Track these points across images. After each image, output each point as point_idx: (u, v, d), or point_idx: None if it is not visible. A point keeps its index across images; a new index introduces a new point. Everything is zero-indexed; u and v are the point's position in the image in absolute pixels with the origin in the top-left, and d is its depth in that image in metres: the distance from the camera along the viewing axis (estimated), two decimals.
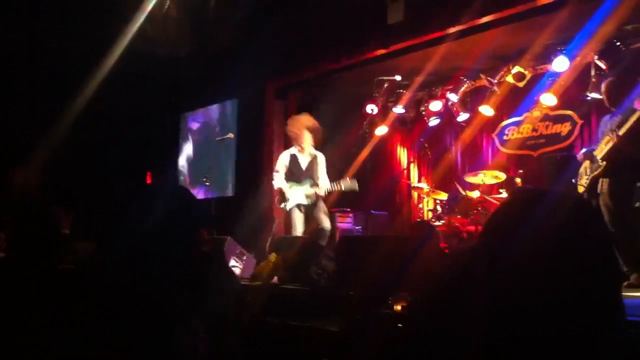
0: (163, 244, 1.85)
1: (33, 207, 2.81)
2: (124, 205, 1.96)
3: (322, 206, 7.36)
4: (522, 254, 1.14)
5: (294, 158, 7.44)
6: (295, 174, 7.39)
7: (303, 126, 7.38)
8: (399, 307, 4.24)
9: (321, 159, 7.43)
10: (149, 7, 7.61)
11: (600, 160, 5.51)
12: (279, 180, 7.44)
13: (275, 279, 6.11)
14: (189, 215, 2.03)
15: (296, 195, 7.29)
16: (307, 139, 7.37)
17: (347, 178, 7.31)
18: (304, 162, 7.41)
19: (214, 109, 10.28)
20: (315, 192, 7.22)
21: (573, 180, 5.95)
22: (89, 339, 1.60)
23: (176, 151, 10.83)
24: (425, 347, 1.33)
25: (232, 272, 5.82)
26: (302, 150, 7.39)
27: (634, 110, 5.41)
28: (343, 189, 7.26)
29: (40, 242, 2.56)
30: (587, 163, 5.72)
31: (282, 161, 7.50)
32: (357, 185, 7.23)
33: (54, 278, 2.16)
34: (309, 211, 7.33)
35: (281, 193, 7.40)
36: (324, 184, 7.25)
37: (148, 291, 1.73)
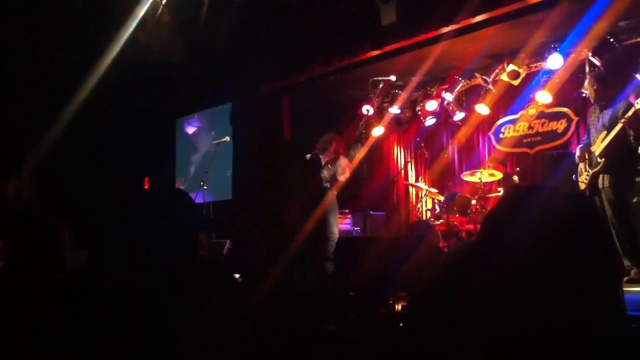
0: (162, 250, 1.85)
1: (29, 216, 2.80)
2: (123, 212, 1.97)
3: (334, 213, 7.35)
4: (518, 250, 1.14)
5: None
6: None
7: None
8: (399, 307, 4.25)
9: (342, 159, 7.42)
10: (142, 13, 7.60)
11: (598, 157, 5.53)
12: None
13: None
14: (188, 219, 2.03)
15: None
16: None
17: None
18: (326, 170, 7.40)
19: (209, 113, 10.28)
20: (334, 174, 7.20)
21: (573, 177, 5.98)
22: (87, 345, 1.60)
23: (173, 156, 10.82)
24: (425, 346, 1.34)
25: (231, 276, 5.83)
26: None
27: (629, 104, 5.43)
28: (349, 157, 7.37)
29: (38, 251, 2.55)
30: (585, 161, 5.75)
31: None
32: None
33: (52, 286, 2.16)
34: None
35: None
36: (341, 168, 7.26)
37: (147, 297, 1.73)
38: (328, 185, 7.27)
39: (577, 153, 5.86)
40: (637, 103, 5.30)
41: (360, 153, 8.88)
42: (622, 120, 5.28)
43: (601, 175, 5.52)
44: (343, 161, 7.40)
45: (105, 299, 1.70)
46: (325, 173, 7.30)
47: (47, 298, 1.88)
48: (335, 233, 7.16)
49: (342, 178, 7.24)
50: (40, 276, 2.40)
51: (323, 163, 7.42)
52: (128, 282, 1.74)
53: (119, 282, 1.74)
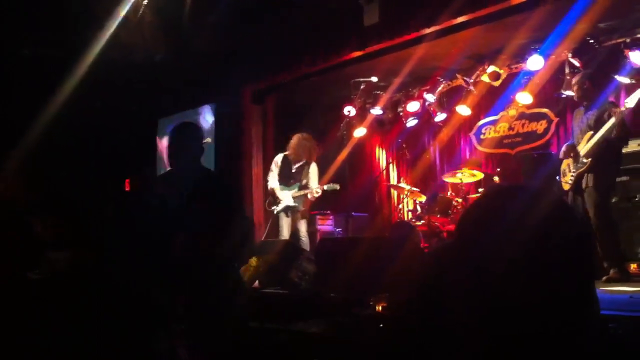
0: (141, 250, 1.84)
1: (6, 216, 2.76)
2: (107, 212, 1.95)
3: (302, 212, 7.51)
4: (495, 250, 1.14)
5: (285, 160, 7.55)
6: (285, 176, 7.53)
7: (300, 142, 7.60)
8: (380, 308, 4.24)
9: (313, 166, 7.52)
10: (124, 12, 7.53)
11: (583, 157, 5.57)
12: (272, 180, 7.65)
13: (257, 283, 6.09)
14: (167, 220, 2.02)
15: (285, 198, 7.38)
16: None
17: (331, 183, 7.61)
18: (295, 166, 7.50)
19: (192, 114, 10.20)
20: (304, 194, 7.34)
21: (557, 178, 6.02)
22: (62, 344, 1.58)
23: (154, 157, 10.73)
24: (406, 347, 1.33)
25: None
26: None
27: (611, 104, 5.49)
28: (326, 189, 7.49)
29: (12, 251, 2.52)
30: (569, 160, 5.79)
31: (275, 161, 7.71)
32: (337, 186, 7.55)
33: (26, 286, 2.14)
34: (294, 215, 7.46)
35: (272, 195, 7.52)
36: (315, 186, 7.39)
37: (125, 297, 1.71)
38: (297, 204, 7.41)
39: (563, 149, 5.91)
40: (626, 103, 5.35)
41: (343, 154, 8.92)
42: (614, 115, 5.30)
43: (585, 175, 5.56)
44: (314, 172, 7.50)
45: (86, 299, 1.68)
46: (293, 189, 7.40)
47: (19, 297, 1.86)
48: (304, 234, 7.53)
49: (312, 197, 7.39)
50: (15, 277, 2.37)
51: (293, 164, 7.52)
52: (105, 282, 1.72)
53: (96, 283, 1.72)
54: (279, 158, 7.69)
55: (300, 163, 7.55)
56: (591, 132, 5.57)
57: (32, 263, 2.52)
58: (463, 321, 1.16)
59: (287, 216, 7.50)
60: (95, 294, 1.71)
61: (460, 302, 1.18)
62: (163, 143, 10.58)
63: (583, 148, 5.61)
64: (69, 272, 1.93)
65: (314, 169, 7.57)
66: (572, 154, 5.76)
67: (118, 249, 1.86)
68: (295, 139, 7.57)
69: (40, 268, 2.59)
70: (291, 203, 7.44)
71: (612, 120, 5.35)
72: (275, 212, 7.54)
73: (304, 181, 7.48)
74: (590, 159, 5.52)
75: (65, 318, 1.67)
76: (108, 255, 1.85)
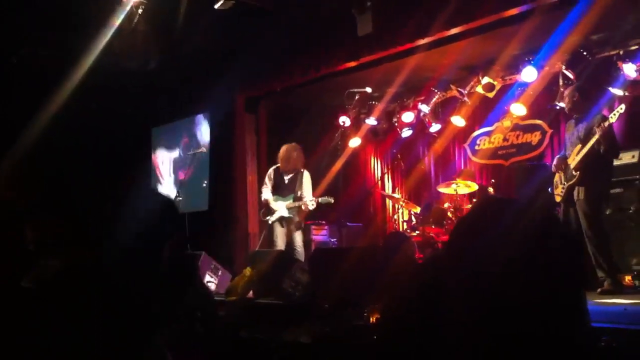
0: (134, 252, 1.84)
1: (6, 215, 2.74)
2: (98, 215, 1.95)
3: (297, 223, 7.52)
4: (485, 261, 1.14)
5: (277, 172, 7.60)
6: (278, 187, 7.57)
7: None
8: (373, 319, 4.23)
9: (306, 175, 7.52)
10: (118, 20, 7.54)
11: (573, 170, 5.59)
12: (266, 192, 7.66)
13: (251, 293, 6.07)
14: (162, 224, 2.02)
15: (279, 208, 7.38)
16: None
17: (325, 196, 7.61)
18: (287, 176, 7.51)
19: (186, 123, 10.21)
20: (298, 206, 7.34)
21: (549, 190, 6.03)
22: (63, 346, 1.58)
23: (148, 165, 10.72)
24: (403, 349, 1.33)
25: (206, 289, 5.77)
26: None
27: (603, 118, 5.50)
28: (320, 202, 7.48)
29: (2, 258, 2.50)
30: (561, 172, 5.81)
31: (269, 175, 7.74)
32: (332, 199, 7.54)
33: (17, 294, 2.12)
34: (289, 226, 7.47)
35: (267, 205, 7.53)
36: (309, 199, 7.35)
37: (124, 300, 1.71)
38: (292, 215, 7.41)
39: (555, 162, 5.93)
40: (612, 116, 5.38)
41: (337, 164, 8.92)
42: (598, 129, 5.34)
43: (576, 188, 5.59)
44: (307, 181, 7.51)
45: (71, 309, 1.67)
46: (288, 201, 7.41)
47: (9, 305, 1.85)
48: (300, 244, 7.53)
49: (306, 208, 7.38)
50: (2, 283, 2.35)
51: (285, 175, 7.53)
52: (97, 291, 1.72)
53: (86, 293, 1.71)
54: (271, 171, 7.73)
55: (292, 174, 7.56)
56: (580, 145, 5.60)
57: (23, 271, 2.49)
58: (452, 330, 1.16)
59: (282, 226, 7.50)
60: (92, 296, 1.70)
61: (448, 311, 1.18)
62: (157, 155, 10.58)
63: (573, 161, 5.63)
64: (62, 276, 1.91)
65: (307, 178, 7.57)
66: (563, 166, 5.78)
67: (117, 248, 1.85)
68: (282, 150, 7.59)
69: (31, 276, 2.57)
70: (285, 214, 7.45)
71: (597, 134, 5.38)
72: (269, 222, 7.53)
73: (299, 192, 7.48)
74: (579, 172, 5.54)
75: (59, 322, 1.66)
76: (107, 256, 1.84)
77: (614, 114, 5.37)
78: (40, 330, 1.65)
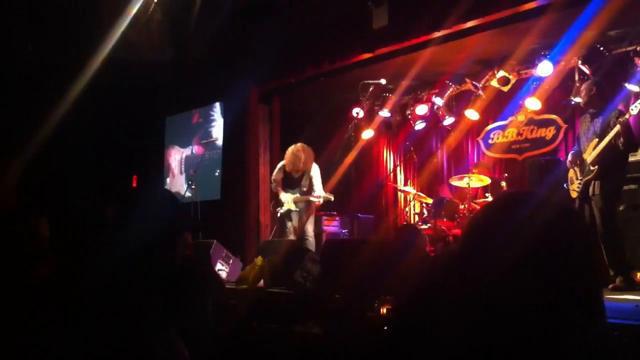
0: (143, 249, 1.84)
1: (11, 215, 2.76)
2: (105, 213, 1.95)
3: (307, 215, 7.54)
4: (500, 257, 1.14)
5: (284, 169, 7.68)
6: (288, 182, 7.65)
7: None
8: (384, 311, 4.24)
9: (315, 169, 7.52)
10: (134, 11, 7.56)
11: (590, 165, 5.56)
12: (276, 184, 7.73)
13: (262, 282, 6.10)
14: (171, 218, 2.02)
15: (288, 201, 7.43)
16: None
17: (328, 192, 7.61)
18: (294, 175, 7.60)
19: (199, 112, 10.24)
20: (307, 199, 7.35)
21: (565, 185, 6.00)
22: (64, 346, 1.59)
23: (162, 154, 10.77)
24: (408, 350, 1.34)
25: (217, 277, 5.81)
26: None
27: (619, 112, 5.46)
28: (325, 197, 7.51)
29: (16, 250, 2.52)
30: (576, 167, 5.77)
31: (279, 167, 7.75)
32: (332, 196, 7.52)
33: (30, 286, 2.14)
34: (298, 219, 7.50)
35: (277, 198, 7.59)
36: (318, 193, 7.36)
37: (126, 299, 1.72)
38: (300, 209, 7.44)
39: (569, 158, 5.89)
40: (631, 110, 5.34)
41: (350, 156, 8.92)
42: (618, 123, 5.30)
43: (593, 183, 5.55)
44: (316, 175, 7.51)
45: (83, 300, 1.68)
46: (295, 194, 7.43)
47: (21, 297, 1.87)
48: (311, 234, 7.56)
49: (318, 202, 7.39)
50: (16, 275, 2.37)
51: (293, 175, 7.54)
52: (107, 284, 1.72)
53: (98, 284, 1.72)
54: (282, 164, 7.74)
55: (299, 173, 7.57)
56: (597, 140, 5.56)
57: (36, 263, 2.52)
58: (461, 325, 1.17)
59: (291, 219, 7.53)
60: (95, 295, 1.71)
61: (459, 307, 1.18)
62: (170, 152, 10.63)
63: (589, 155, 5.59)
64: (71, 271, 1.92)
65: (315, 172, 7.54)
66: (578, 162, 5.74)
67: (119, 250, 1.86)
68: (289, 152, 7.56)
69: (43, 267, 2.59)
70: (293, 207, 7.49)
71: (617, 128, 5.34)
72: (279, 214, 7.58)
73: (305, 188, 7.50)
74: (596, 167, 5.50)
75: (59, 322, 1.68)
76: (108, 256, 1.85)
77: (634, 107, 5.33)
78: (40, 330, 1.66)
